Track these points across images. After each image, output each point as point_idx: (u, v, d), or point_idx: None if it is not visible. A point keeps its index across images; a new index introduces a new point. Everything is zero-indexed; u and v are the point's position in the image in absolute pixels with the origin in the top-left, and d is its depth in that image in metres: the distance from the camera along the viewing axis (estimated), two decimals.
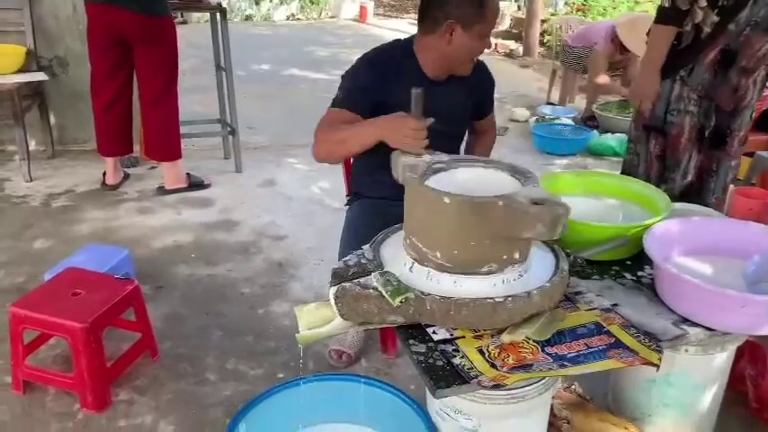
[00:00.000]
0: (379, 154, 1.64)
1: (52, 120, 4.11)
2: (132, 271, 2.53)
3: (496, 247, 1.24)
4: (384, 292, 1.23)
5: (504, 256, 1.25)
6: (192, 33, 7.33)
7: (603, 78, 4.95)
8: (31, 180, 3.71)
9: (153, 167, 3.94)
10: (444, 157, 1.46)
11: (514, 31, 9.25)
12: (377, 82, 1.88)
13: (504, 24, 9.56)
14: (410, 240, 1.31)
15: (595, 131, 4.83)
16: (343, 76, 1.95)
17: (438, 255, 1.25)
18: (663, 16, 2.25)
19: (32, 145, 4.02)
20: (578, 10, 9.00)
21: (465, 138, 2.22)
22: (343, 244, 1.97)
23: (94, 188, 3.68)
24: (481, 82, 2.10)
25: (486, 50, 1.95)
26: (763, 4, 2.14)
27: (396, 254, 1.38)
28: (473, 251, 1.24)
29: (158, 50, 3.40)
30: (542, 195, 1.22)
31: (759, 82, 2.30)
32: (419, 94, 1.53)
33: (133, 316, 2.16)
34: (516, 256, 1.27)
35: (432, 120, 1.58)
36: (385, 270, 1.32)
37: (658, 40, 2.28)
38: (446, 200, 1.20)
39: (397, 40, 2.02)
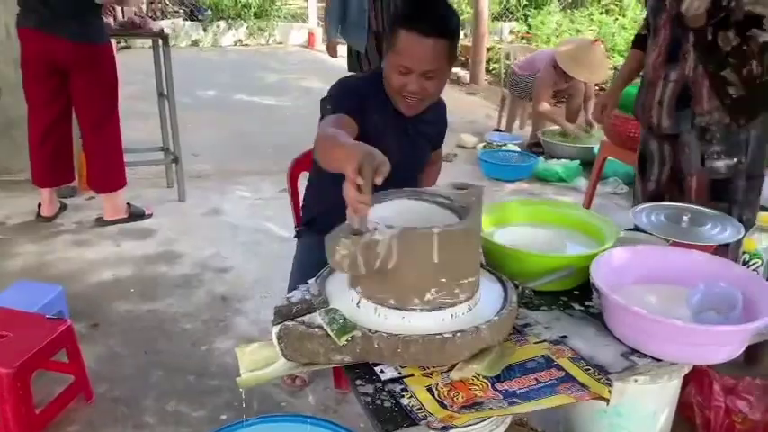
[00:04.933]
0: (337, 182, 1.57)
1: None
2: (66, 309, 2.41)
3: (444, 280, 1.22)
4: (329, 331, 1.19)
5: (455, 290, 1.23)
6: (136, 59, 7.18)
7: (545, 106, 5.06)
8: None
9: (92, 198, 3.80)
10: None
11: (461, 58, 9.41)
12: (354, 104, 1.80)
13: None
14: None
15: (541, 158, 4.91)
16: (322, 100, 1.88)
17: (432, 292, 1.22)
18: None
19: None
20: (523, 38, 9.24)
21: None
22: (292, 280, 1.92)
23: (28, 220, 3.53)
24: (437, 121, 2.06)
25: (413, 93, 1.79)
26: None
27: (342, 288, 1.34)
28: (419, 285, 1.21)
29: (96, 79, 3.30)
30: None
31: None
32: None
33: (65, 357, 2.04)
34: (463, 293, 1.24)
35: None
36: (330, 307, 1.27)
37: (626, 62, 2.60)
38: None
39: (377, 70, 1.94)
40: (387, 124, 1.83)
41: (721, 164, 2.21)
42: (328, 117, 1.75)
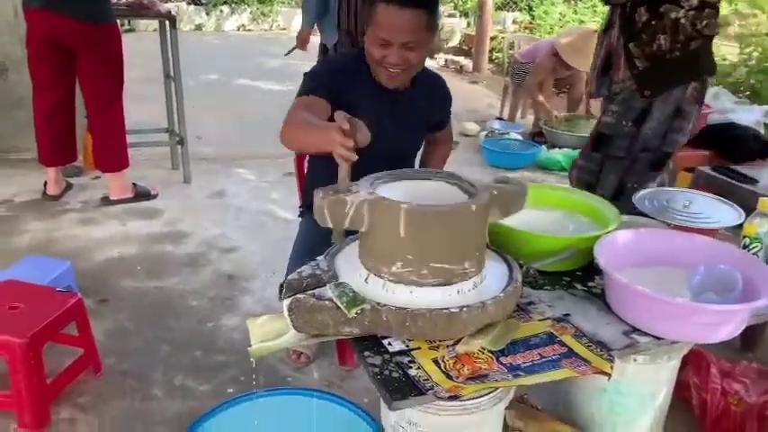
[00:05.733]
0: (332, 163, 1.62)
1: None
2: (74, 284, 2.44)
3: (458, 254, 1.25)
4: (339, 303, 1.22)
5: (465, 264, 1.26)
6: (140, 42, 7.18)
7: (540, 97, 5.09)
8: None
9: (97, 177, 3.83)
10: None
11: (465, 47, 9.41)
12: (335, 82, 1.84)
13: (454, 41, 9.72)
14: (367, 252, 1.30)
15: (543, 146, 4.93)
16: (304, 74, 1.92)
17: (398, 265, 1.25)
18: None
19: None
20: (526, 28, 9.23)
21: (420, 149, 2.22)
22: (294, 256, 1.95)
23: (35, 198, 3.55)
24: (432, 97, 2.05)
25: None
26: None
27: (351, 265, 1.37)
28: (435, 259, 1.24)
29: (102, 59, 3.31)
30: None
31: None
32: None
33: (75, 331, 2.07)
34: (472, 265, 1.27)
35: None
36: (340, 281, 1.30)
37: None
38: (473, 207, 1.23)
39: (361, 49, 1.96)
40: (371, 98, 1.86)
41: (609, 119, 2.36)
42: (300, 99, 1.80)
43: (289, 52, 4.18)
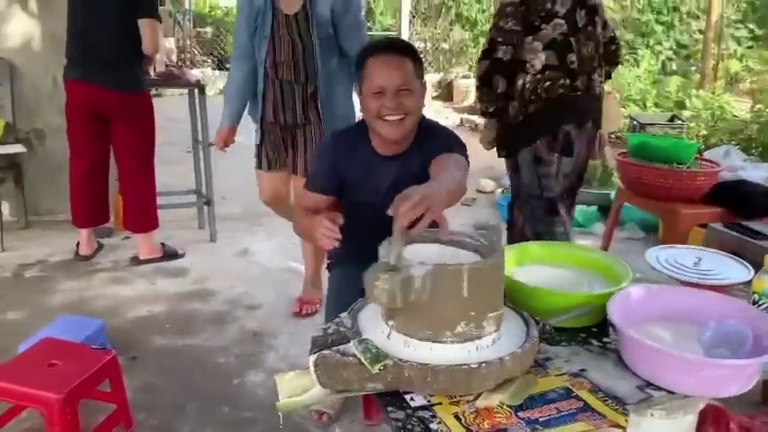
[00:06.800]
0: (350, 224, 1.75)
1: (27, 191, 4.13)
2: (107, 341, 2.53)
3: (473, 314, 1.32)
4: (363, 359, 1.28)
5: (483, 323, 1.33)
6: (168, 106, 7.42)
7: None
8: (4, 251, 3.70)
9: (127, 237, 3.96)
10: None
11: (479, 106, 9.56)
12: (336, 161, 2.00)
13: (468, 100, 9.92)
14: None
15: None
16: (313, 157, 2.07)
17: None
18: None
19: (6, 215, 4.02)
20: None
21: None
22: (328, 311, 2.03)
23: (68, 258, 3.68)
24: (433, 149, 1.93)
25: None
26: None
27: (373, 321, 1.43)
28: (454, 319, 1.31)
29: (136, 126, 3.49)
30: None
31: None
32: None
33: (108, 387, 2.14)
34: (490, 322, 1.34)
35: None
36: (363, 337, 1.37)
37: None
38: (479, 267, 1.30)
39: (361, 121, 2.07)
40: (372, 170, 1.98)
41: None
42: (305, 195, 2.05)
43: (210, 145, 3.63)
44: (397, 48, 1.91)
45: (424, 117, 2.02)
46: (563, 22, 2.39)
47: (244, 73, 2.94)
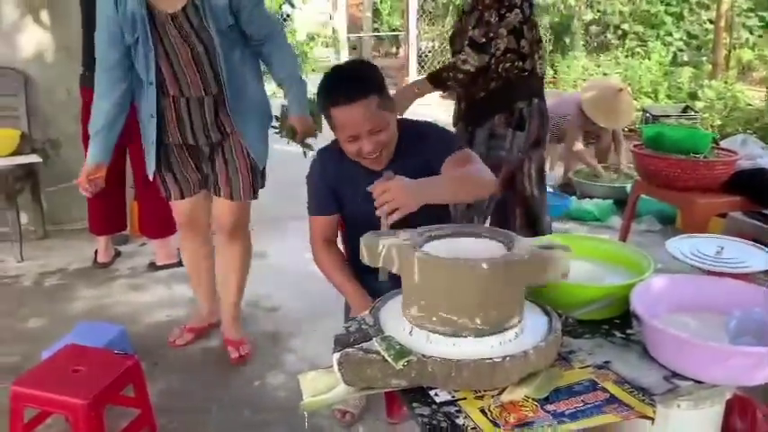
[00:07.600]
0: (352, 235, 1.77)
1: (44, 200, 4.17)
2: (129, 347, 2.55)
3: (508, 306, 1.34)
4: (387, 356, 1.28)
5: (511, 316, 1.33)
6: None
7: (578, 146, 5.16)
8: (23, 260, 3.74)
9: (143, 244, 3.99)
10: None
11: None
12: (327, 182, 2.00)
13: None
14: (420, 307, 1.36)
15: (573, 197, 4.98)
16: (306, 180, 2.07)
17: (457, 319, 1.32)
18: None
19: (24, 225, 4.05)
20: (550, 82, 9.38)
21: None
22: (347, 310, 2.05)
23: (86, 266, 3.71)
24: (420, 153, 1.95)
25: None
26: None
27: (394, 319, 1.43)
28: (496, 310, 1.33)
29: None
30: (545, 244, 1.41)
31: None
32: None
33: (131, 392, 2.16)
34: (508, 321, 1.34)
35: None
36: (386, 335, 1.37)
37: None
38: (484, 265, 1.29)
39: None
40: (362, 185, 1.84)
41: None
42: (312, 222, 2.06)
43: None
44: (356, 88, 1.81)
45: (406, 123, 2.01)
46: (519, 11, 2.78)
47: (114, 99, 2.45)
